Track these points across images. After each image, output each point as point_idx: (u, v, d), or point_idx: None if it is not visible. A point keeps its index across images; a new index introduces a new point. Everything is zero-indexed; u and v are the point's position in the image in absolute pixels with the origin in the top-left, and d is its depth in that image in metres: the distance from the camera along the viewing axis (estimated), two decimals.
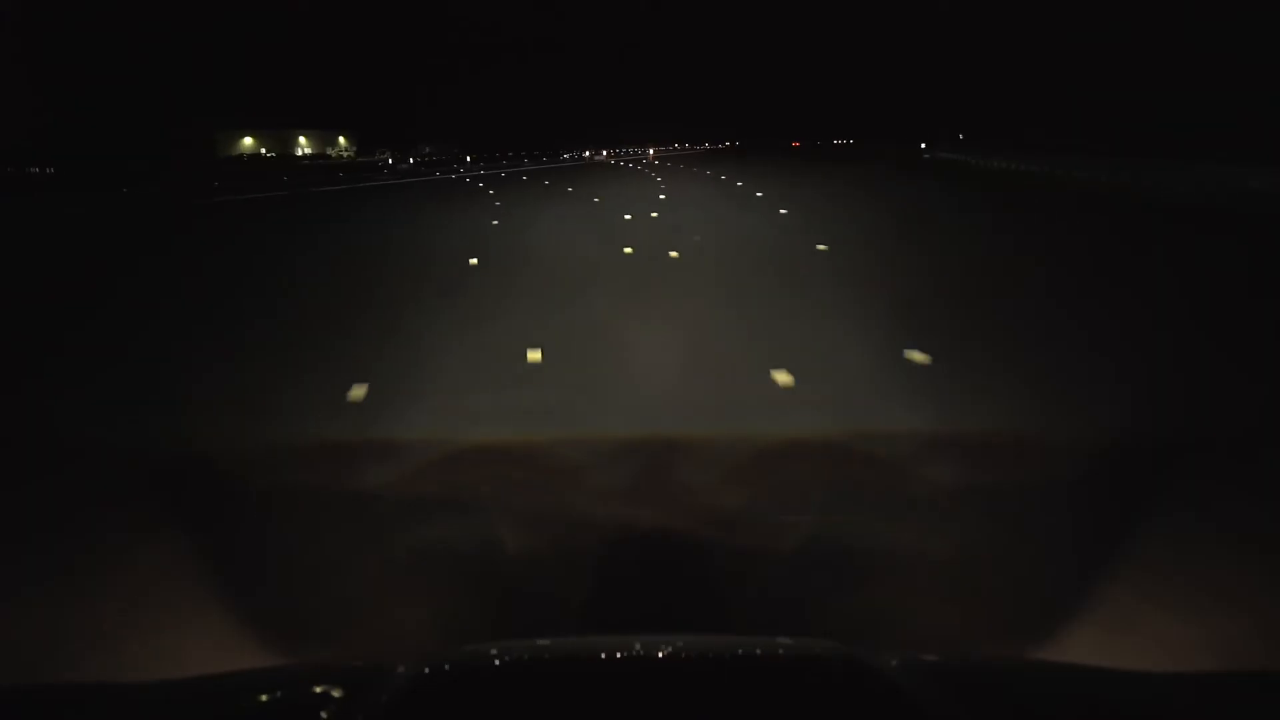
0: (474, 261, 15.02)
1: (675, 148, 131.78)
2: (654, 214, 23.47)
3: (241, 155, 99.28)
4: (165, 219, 27.00)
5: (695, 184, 38.06)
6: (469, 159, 68.41)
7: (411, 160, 60.53)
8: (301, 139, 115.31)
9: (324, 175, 53.63)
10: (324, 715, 1.41)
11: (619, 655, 1.59)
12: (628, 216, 21.31)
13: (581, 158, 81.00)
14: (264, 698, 1.60)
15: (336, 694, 1.49)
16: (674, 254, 15.34)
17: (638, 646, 1.60)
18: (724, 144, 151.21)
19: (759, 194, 29.67)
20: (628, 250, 16.03)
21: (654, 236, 18.08)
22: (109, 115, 69.07)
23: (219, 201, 32.81)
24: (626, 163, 67.34)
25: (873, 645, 1.79)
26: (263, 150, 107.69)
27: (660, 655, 1.60)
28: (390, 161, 60.92)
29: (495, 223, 22.06)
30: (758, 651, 1.67)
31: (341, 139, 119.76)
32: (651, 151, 77.13)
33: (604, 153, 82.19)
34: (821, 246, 15.84)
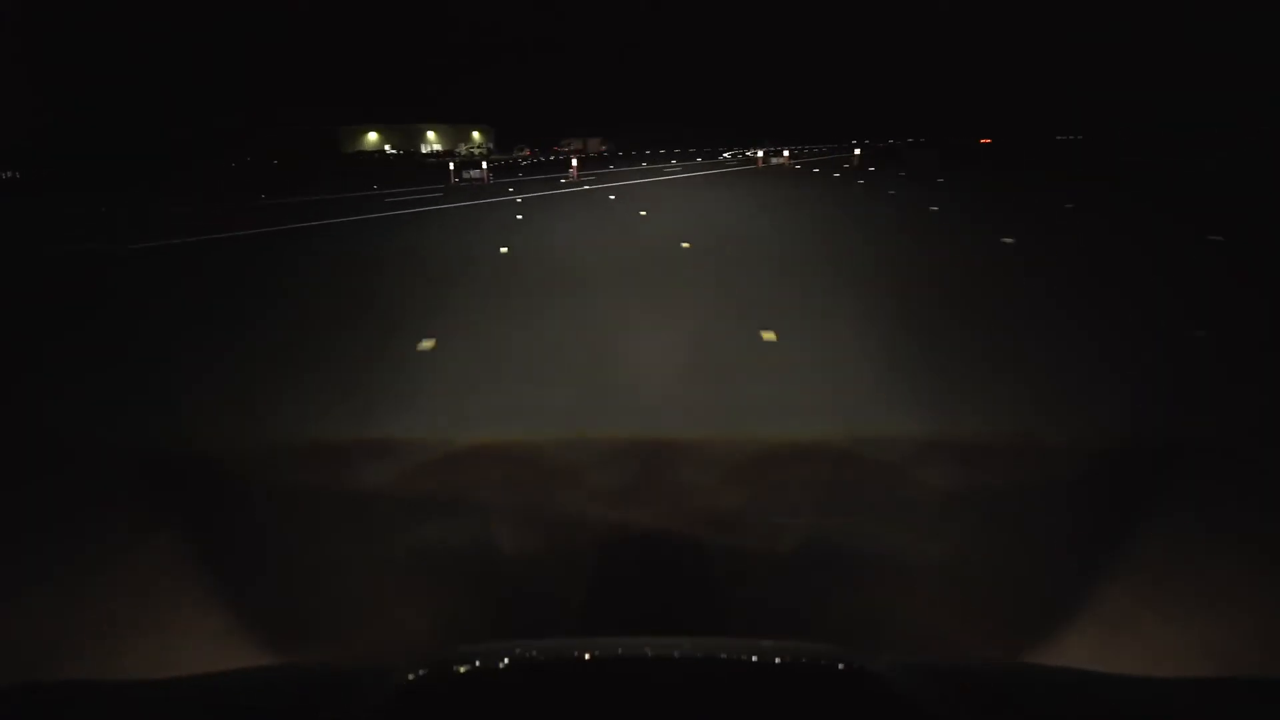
0: None
1: (869, 143, 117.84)
2: None
3: (359, 153, 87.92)
4: None
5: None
6: (575, 160, 49.77)
7: (485, 165, 43.25)
8: (430, 134, 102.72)
9: (354, 186, 38.13)
10: (323, 715, 1.38)
11: (617, 656, 1.62)
12: None
13: (750, 157, 61.43)
14: (263, 697, 1.55)
15: (335, 694, 1.47)
16: None
17: (635, 647, 1.64)
18: (910, 139, 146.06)
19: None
20: None
21: None
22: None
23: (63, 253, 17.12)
24: (819, 168, 46.53)
25: (872, 646, 1.83)
26: (387, 147, 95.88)
27: (658, 656, 1.61)
28: (449, 166, 44.13)
29: None
30: (756, 653, 1.65)
31: (476, 134, 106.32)
32: (857, 152, 56.33)
33: (785, 153, 61.53)
34: None
